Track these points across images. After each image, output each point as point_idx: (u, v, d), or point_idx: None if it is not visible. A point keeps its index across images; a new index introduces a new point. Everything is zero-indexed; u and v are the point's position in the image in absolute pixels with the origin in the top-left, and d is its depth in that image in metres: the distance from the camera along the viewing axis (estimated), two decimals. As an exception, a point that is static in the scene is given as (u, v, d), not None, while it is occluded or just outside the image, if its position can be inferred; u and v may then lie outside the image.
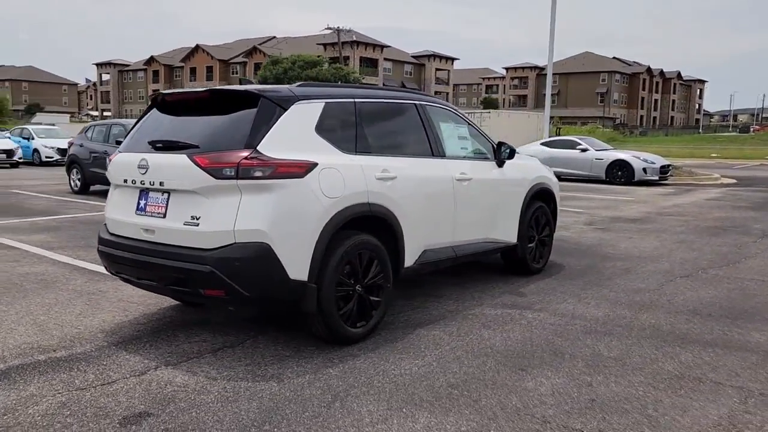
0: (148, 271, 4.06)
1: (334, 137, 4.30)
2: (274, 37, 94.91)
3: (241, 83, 4.50)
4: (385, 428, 3.13)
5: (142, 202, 4.17)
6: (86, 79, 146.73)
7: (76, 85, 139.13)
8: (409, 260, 4.75)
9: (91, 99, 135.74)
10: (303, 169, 3.93)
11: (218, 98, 4.13)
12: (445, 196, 5.09)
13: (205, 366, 3.91)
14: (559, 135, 37.98)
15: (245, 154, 3.78)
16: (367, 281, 4.37)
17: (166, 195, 4.04)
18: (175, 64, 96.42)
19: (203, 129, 4.06)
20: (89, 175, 13.75)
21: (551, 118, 26.30)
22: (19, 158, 23.08)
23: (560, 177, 19.16)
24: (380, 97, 4.91)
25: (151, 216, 4.09)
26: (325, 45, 72.79)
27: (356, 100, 4.58)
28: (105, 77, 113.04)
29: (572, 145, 19.24)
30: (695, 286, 6.07)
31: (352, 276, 4.27)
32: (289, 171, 3.87)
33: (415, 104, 5.13)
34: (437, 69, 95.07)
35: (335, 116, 4.38)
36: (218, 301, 4.00)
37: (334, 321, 4.13)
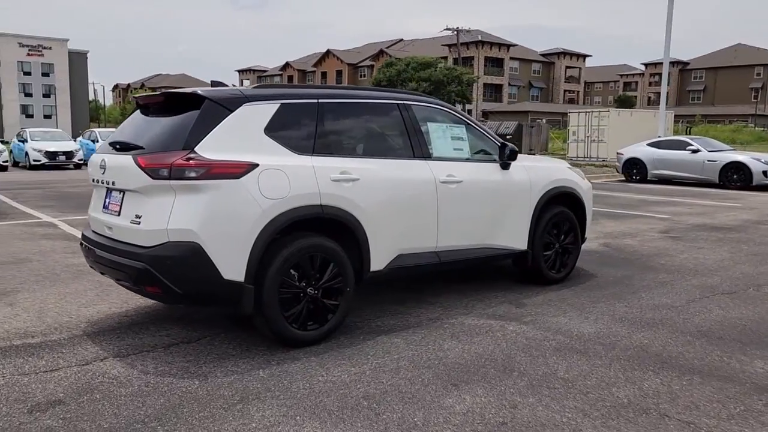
0: (106, 266, 4.27)
1: (288, 138, 4.28)
2: (402, 39, 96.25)
3: (212, 85, 4.60)
4: (262, 435, 3.06)
5: (107, 201, 4.40)
6: (232, 84, 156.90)
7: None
8: (377, 264, 4.62)
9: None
10: (240, 170, 3.95)
11: (172, 101, 4.26)
12: (426, 199, 4.89)
13: (148, 360, 4.05)
14: (689, 134, 35.27)
15: (181, 155, 3.87)
16: (322, 284, 4.30)
17: (121, 194, 4.24)
18: (307, 69, 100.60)
19: (154, 130, 4.21)
20: None
21: (692, 116, 24.57)
22: (80, 160, 24.60)
23: (669, 180, 18.15)
24: (353, 97, 4.82)
25: (111, 214, 4.30)
26: (449, 46, 72.66)
27: (321, 100, 4.53)
28: (246, 83, 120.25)
29: (682, 146, 17.72)
30: (731, 304, 5.38)
31: (303, 278, 4.22)
32: (224, 172, 3.90)
33: (397, 104, 4.98)
34: (567, 67, 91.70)
35: (292, 117, 4.35)
36: (159, 298, 4.12)
37: (278, 323, 4.11)
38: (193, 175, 3.84)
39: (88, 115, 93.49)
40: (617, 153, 19.59)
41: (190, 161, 3.85)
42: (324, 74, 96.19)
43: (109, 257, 4.18)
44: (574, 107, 57.80)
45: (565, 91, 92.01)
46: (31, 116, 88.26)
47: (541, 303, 5.39)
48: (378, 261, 4.63)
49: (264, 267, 4.03)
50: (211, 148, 3.95)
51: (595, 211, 11.54)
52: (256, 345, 4.30)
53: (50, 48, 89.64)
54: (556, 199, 6.06)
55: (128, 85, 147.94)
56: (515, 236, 5.62)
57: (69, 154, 24.65)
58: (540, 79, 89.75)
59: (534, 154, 35.29)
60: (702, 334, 4.59)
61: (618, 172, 19.32)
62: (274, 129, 4.23)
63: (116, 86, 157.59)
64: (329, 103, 4.58)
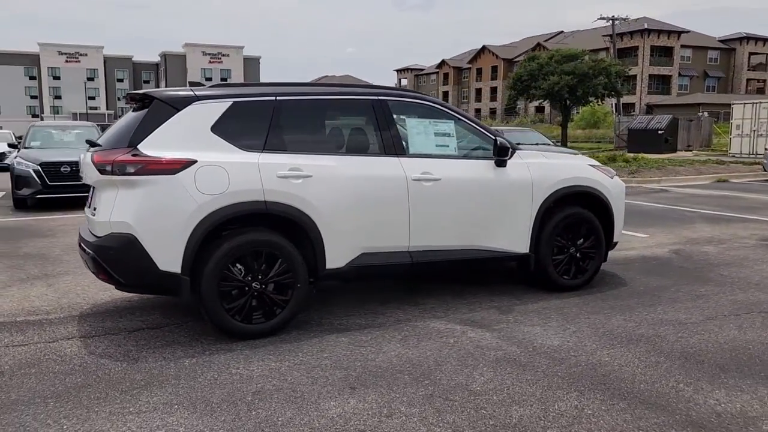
0: (82, 255, 4.67)
1: (236, 135, 4.39)
2: (561, 32, 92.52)
3: (190, 86, 4.84)
4: (109, 423, 3.21)
5: (90, 196, 4.81)
6: (395, 84, 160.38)
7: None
8: (335, 262, 4.59)
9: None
10: (176, 165, 4.13)
11: (136, 101, 4.55)
12: (394, 196, 4.76)
13: (105, 342, 4.38)
14: None
15: (124, 152, 4.14)
16: (269, 279, 4.38)
17: (92, 189, 4.61)
18: (462, 65, 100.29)
19: (116, 129, 4.53)
20: None
21: None
22: None
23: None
24: (317, 94, 4.81)
25: (89, 207, 4.70)
26: (611, 36, 68.60)
27: (279, 98, 4.59)
28: (404, 82, 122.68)
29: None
30: (756, 325, 4.64)
31: (249, 272, 4.32)
32: (160, 168, 4.11)
33: (370, 100, 4.89)
34: (751, 53, 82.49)
35: (243, 115, 4.46)
36: (112, 284, 4.42)
37: (218, 315, 4.25)
38: (131, 170, 4.09)
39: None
40: (765, 149, 17.40)
41: (129, 157, 4.10)
42: (479, 70, 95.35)
43: (81, 246, 4.57)
44: (756, 98, 51.84)
45: (748, 80, 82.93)
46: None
47: (531, 310, 5.02)
48: (336, 259, 4.59)
49: (203, 260, 4.18)
50: (155, 145, 4.18)
51: (700, 214, 10.45)
52: (209, 335, 4.46)
53: (228, 55, 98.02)
54: (570, 198, 5.60)
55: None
56: (513, 238, 5.27)
57: None
58: (717, 68, 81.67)
59: (691, 150, 32.30)
60: (682, 356, 4.02)
61: (764, 170, 17.16)
62: (222, 127, 4.36)
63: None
64: (288, 101, 4.62)
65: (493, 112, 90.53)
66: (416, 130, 5.04)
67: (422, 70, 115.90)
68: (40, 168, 11.34)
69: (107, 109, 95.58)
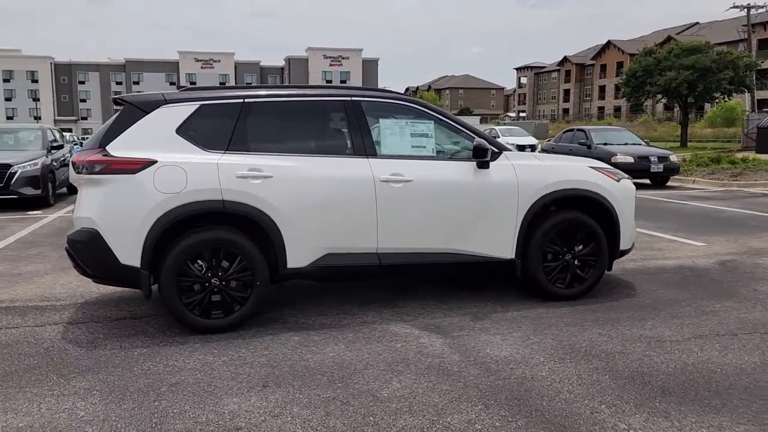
0: None
1: (200, 137, 4.57)
2: (697, 23, 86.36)
3: (179, 89, 5.10)
4: (27, 404, 3.46)
5: None
6: (523, 82, 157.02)
7: (502, 89, 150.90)
8: (297, 261, 4.66)
9: (518, 102, 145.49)
10: (137, 165, 4.38)
11: (118, 104, 4.85)
12: (361, 197, 4.74)
13: (82, 329, 4.71)
14: None
15: (94, 152, 4.46)
16: (228, 276, 4.53)
17: None
18: (586, 62, 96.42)
19: (98, 131, 4.85)
20: None
21: None
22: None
23: None
24: (287, 96, 4.88)
25: None
26: (747, 26, 63.05)
27: (247, 100, 4.72)
28: (523, 80, 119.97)
29: None
30: (745, 347, 4.17)
31: (208, 269, 4.50)
32: (122, 167, 4.38)
33: (342, 101, 4.90)
34: None
35: (209, 117, 4.63)
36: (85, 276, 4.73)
37: (177, 308, 4.46)
38: (97, 170, 4.39)
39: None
40: None
41: (95, 157, 4.40)
42: (603, 67, 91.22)
43: None
44: None
45: None
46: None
47: (506, 319, 4.81)
48: (298, 258, 4.66)
49: (162, 255, 4.40)
50: (122, 146, 4.45)
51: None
52: (176, 327, 4.67)
53: (348, 58, 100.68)
54: (566, 202, 5.30)
55: (417, 87, 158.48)
56: (495, 243, 5.07)
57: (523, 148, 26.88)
58: None
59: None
60: (629, 376, 3.70)
61: None
62: (187, 128, 4.56)
63: (407, 89, 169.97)
64: (256, 102, 4.74)
65: (617, 110, 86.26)
66: (390, 130, 4.99)
67: (543, 67, 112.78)
68: None
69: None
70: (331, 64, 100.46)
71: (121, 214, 4.38)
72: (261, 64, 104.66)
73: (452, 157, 5.14)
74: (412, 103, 5.13)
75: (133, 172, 4.38)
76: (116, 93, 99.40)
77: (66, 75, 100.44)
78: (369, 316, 4.91)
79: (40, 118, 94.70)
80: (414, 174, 4.86)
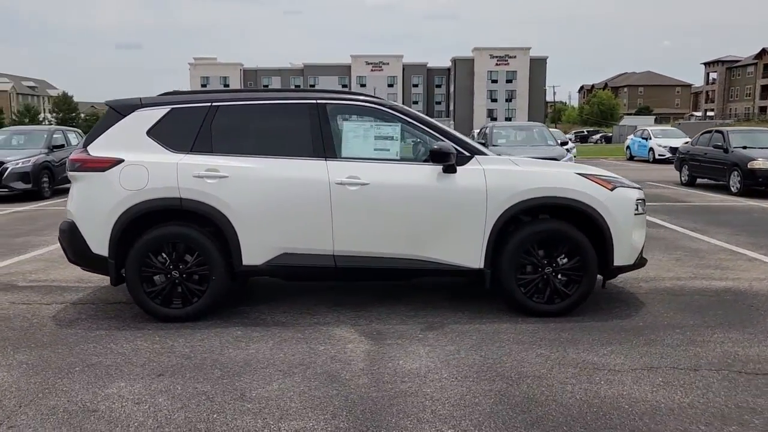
0: None
1: (168, 138, 4.90)
2: None
3: (164, 95, 5.48)
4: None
5: None
6: (713, 78, 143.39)
7: (689, 86, 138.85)
8: (252, 259, 4.83)
9: (706, 100, 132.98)
10: (106, 164, 4.81)
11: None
12: (316, 200, 4.78)
13: (76, 309, 5.28)
14: None
15: (79, 151, 4.98)
16: (186, 269, 4.83)
17: None
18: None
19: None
20: (695, 171, 15.61)
21: None
22: (575, 156, 26.29)
23: None
24: (254, 99, 5.04)
25: None
26: None
27: (215, 103, 4.97)
28: (712, 75, 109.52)
29: None
30: (692, 385, 3.61)
31: (169, 262, 4.83)
32: (94, 166, 4.84)
33: (307, 104, 4.96)
34: None
35: (178, 120, 4.94)
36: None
37: (139, 296, 4.84)
38: (76, 167, 4.89)
39: (543, 117, 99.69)
40: None
41: (76, 156, 4.91)
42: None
43: None
44: None
45: None
46: (495, 119, 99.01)
47: (460, 331, 4.59)
48: (253, 256, 4.82)
49: (127, 246, 4.80)
50: (101, 146, 4.92)
51: None
52: (143, 315, 5.05)
53: (515, 57, 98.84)
54: (546, 211, 4.93)
55: (592, 86, 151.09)
56: (460, 251, 4.84)
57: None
58: None
59: None
60: (516, 403, 3.39)
61: None
62: (156, 131, 4.91)
63: (581, 87, 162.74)
64: (222, 106, 4.96)
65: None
66: (354, 133, 4.96)
67: (737, 61, 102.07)
68: None
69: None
70: (497, 64, 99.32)
71: (92, 207, 4.84)
72: (428, 65, 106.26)
73: (417, 160, 4.98)
74: (381, 106, 5.05)
75: (103, 170, 4.81)
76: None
77: (252, 80, 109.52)
78: (328, 318, 4.94)
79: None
80: (371, 177, 4.80)
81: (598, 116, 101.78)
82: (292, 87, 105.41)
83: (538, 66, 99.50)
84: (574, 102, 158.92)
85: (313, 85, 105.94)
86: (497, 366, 3.91)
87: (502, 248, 4.84)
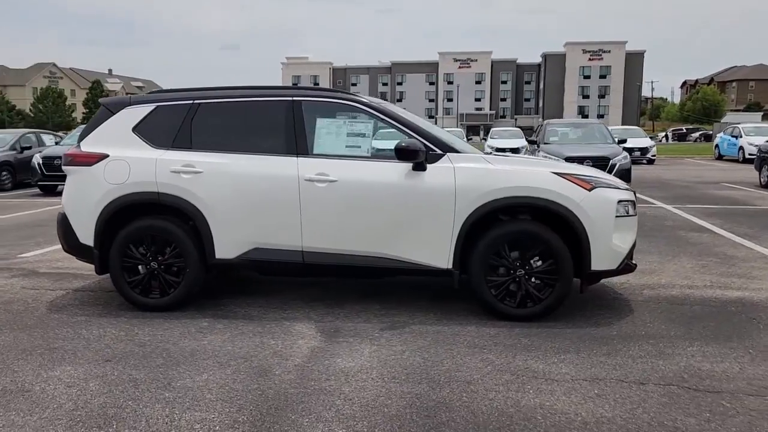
0: None
1: (151, 135, 5.10)
2: None
3: (148, 94, 5.68)
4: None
5: None
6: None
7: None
8: (224, 253, 4.96)
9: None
10: (93, 159, 5.08)
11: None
12: (285, 196, 4.83)
13: (74, 296, 5.60)
14: None
15: (73, 147, 5.28)
16: (164, 261, 5.03)
17: None
18: None
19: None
20: None
21: None
22: (654, 156, 25.44)
23: None
24: (234, 96, 5.14)
25: None
26: None
27: (197, 101, 5.13)
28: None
29: None
30: (623, 399, 3.39)
31: (148, 253, 5.05)
32: (83, 161, 5.11)
33: (284, 101, 5.01)
34: None
35: (162, 117, 5.13)
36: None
37: (120, 285, 5.09)
38: (68, 161, 5.19)
39: (637, 114, 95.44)
40: None
41: (69, 151, 5.21)
42: None
43: None
44: None
45: None
46: (586, 116, 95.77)
47: (413, 332, 4.51)
48: (225, 250, 4.95)
49: (111, 238, 5.05)
50: (92, 143, 5.20)
51: None
52: (125, 304, 5.28)
53: (609, 51, 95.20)
54: (518, 211, 4.76)
55: (696, 81, 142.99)
56: (428, 250, 4.76)
57: (644, 150, 25.01)
58: None
59: None
60: (426, 407, 3.30)
61: None
62: (141, 127, 5.12)
63: (684, 83, 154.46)
64: (204, 103, 5.11)
65: None
66: (327, 130, 4.97)
67: None
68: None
69: (490, 109, 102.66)
70: (590, 59, 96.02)
71: (80, 199, 5.12)
72: (518, 61, 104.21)
73: (389, 158, 4.93)
74: (356, 102, 5.03)
75: (90, 164, 5.08)
76: (381, 94, 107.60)
77: (341, 78, 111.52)
78: (297, 313, 4.99)
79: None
80: (340, 174, 4.80)
81: (700, 113, 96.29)
82: (380, 84, 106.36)
83: (634, 61, 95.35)
84: (677, 98, 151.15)
85: (400, 83, 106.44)
86: (433, 369, 3.81)
87: (472, 249, 4.71)
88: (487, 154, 5.37)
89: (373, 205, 4.77)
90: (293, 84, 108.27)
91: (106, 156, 5.05)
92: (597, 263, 4.67)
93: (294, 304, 5.21)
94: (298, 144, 4.91)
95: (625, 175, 12.07)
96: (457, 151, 4.85)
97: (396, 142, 4.73)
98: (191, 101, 5.12)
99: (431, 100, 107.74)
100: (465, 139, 21.46)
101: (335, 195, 4.79)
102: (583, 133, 13.79)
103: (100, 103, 5.42)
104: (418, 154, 4.66)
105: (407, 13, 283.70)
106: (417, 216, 4.72)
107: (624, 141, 14.11)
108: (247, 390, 3.53)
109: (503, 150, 25.74)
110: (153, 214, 5.06)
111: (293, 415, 3.22)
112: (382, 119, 4.95)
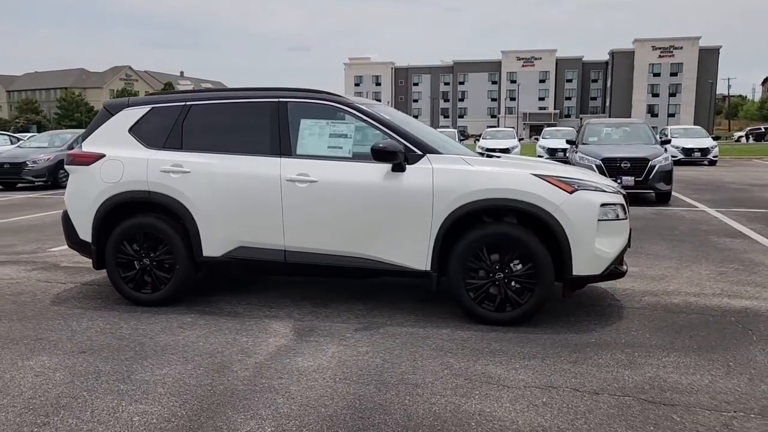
0: None
1: (145, 135, 5.28)
2: None
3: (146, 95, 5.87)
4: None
5: None
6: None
7: None
8: (212, 251, 5.08)
9: None
10: (91, 159, 5.30)
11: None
12: (268, 196, 4.91)
13: (80, 290, 5.86)
14: None
15: (76, 147, 5.53)
16: (155, 258, 5.20)
17: None
18: None
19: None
20: None
21: None
22: (716, 157, 24.71)
23: None
24: (223, 98, 5.25)
25: None
26: None
27: (189, 102, 5.28)
28: None
29: None
30: (565, 409, 3.29)
31: (141, 250, 5.23)
32: (82, 160, 5.34)
33: (270, 102, 5.08)
34: None
35: (156, 118, 5.30)
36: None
37: (114, 280, 5.29)
38: (70, 161, 5.44)
39: (710, 112, 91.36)
40: None
41: (71, 151, 5.46)
42: None
43: None
44: None
45: None
46: (656, 116, 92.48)
47: (386, 334, 4.49)
48: (212, 248, 5.07)
49: (104, 234, 5.27)
50: (92, 143, 5.43)
51: None
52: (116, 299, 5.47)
53: (681, 48, 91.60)
54: (497, 213, 4.68)
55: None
56: (405, 252, 4.73)
57: (704, 151, 24.90)
58: None
59: None
60: (363, 408, 3.29)
61: None
62: (137, 128, 5.31)
63: (766, 80, 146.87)
64: (196, 105, 5.25)
65: None
66: (310, 131, 5.01)
67: None
68: (602, 163, 11.81)
69: (554, 108, 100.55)
70: (660, 56, 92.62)
71: (79, 197, 5.35)
72: (584, 59, 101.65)
73: (370, 159, 4.92)
74: (340, 103, 5.04)
75: (88, 164, 5.30)
76: (443, 93, 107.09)
77: (403, 78, 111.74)
78: (281, 312, 5.05)
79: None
80: (320, 175, 4.83)
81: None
82: (442, 84, 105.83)
83: (708, 57, 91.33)
84: (759, 96, 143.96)
85: (462, 83, 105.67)
86: (388, 371, 3.80)
87: (452, 251, 4.66)
88: (479, 154, 5.30)
89: (353, 206, 4.78)
90: (355, 85, 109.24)
91: (103, 156, 5.26)
92: (579, 268, 4.53)
93: (281, 303, 5.28)
94: (282, 145, 4.98)
95: (665, 177, 11.61)
96: (437, 152, 4.80)
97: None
98: (183, 103, 5.27)
99: (493, 99, 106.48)
100: (458, 139, 21.27)
101: (316, 195, 4.83)
102: (624, 134, 13.34)
103: (103, 105, 5.65)
104: (396, 155, 4.64)
105: (474, 12, 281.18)
106: (395, 217, 4.70)
107: (668, 141, 13.57)
108: (199, 385, 3.61)
109: (493, 150, 25.06)
110: (145, 213, 5.22)
111: (231, 411, 3.27)
112: (364, 120, 4.95)
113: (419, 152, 4.77)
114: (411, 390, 3.52)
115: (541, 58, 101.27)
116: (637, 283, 5.90)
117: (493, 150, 24.18)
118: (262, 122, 5.08)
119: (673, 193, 13.30)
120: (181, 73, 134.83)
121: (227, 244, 5.03)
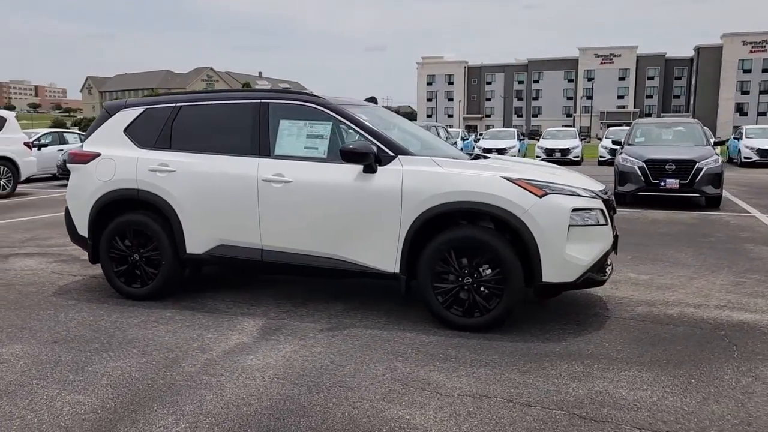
0: None
1: (138, 136, 5.48)
2: None
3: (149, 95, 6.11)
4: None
5: None
6: None
7: None
8: (194, 248, 5.22)
9: None
10: (87, 158, 5.55)
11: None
12: (245, 195, 4.99)
13: (82, 283, 6.15)
14: None
15: (78, 146, 5.80)
16: (144, 254, 5.40)
17: None
18: None
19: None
20: None
21: None
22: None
23: None
24: (211, 99, 5.36)
25: None
26: None
27: (180, 104, 5.43)
28: None
29: None
30: (487, 419, 3.18)
31: (132, 246, 5.44)
32: (80, 159, 5.60)
33: (251, 104, 5.15)
34: None
35: (148, 119, 5.49)
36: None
37: (108, 274, 5.52)
38: (71, 159, 5.71)
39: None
40: None
41: (72, 151, 5.73)
42: None
43: None
44: None
45: None
46: (745, 114, 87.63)
47: (348, 336, 4.47)
48: (195, 245, 5.21)
49: (98, 229, 5.50)
50: (92, 142, 5.68)
51: None
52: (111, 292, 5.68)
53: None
54: (464, 216, 4.58)
55: None
56: (375, 253, 4.70)
57: None
58: None
59: None
60: (283, 410, 3.30)
61: None
62: (131, 129, 5.52)
63: None
64: (186, 106, 5.40)
65: None
66: (288, 131, 5.05)
67: None
68: (645, 165, 11.44)
69: (634, 107, 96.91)
70: (751, 51, 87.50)
71: (77, 194, 5.61)
72: (666, 56, 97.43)
73: (327, 159, 4.90)
74: (317, 105, 5.05)
75: (85, 162, 5.55)
76: (517, 92, 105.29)
77: (476, 77, 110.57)
78: (257, 309, 5.12)
79: (452, 116, 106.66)
80: (294, 175, 4.87)
81: None
82: (515, 82, 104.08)
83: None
84: None
85: (537, 81, 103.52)
86: (329, 373, 3.78)
87: (421, 253, 4.59)
88: (476, 156, 5.20)
89: (325, 206, 4.78)
90: (428, 84, 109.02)
91: (99, 155, 5.49)
92: (549, 275, 4.36)
93: (264, 301, 5.35)
94: (261, 145, 5.04)
95: (713, 180, 10.97)
96: (410, 154, 4.73)
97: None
98: (174, 104, 5.43)
99: (569, 98, 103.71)
100: (446, 138, 20.56)
101: (290, 195, 4.87)
102: (674, 134, 12.69)
103: (102, 106, 5.89)
104: (366, 157, 4.61)
105: (553, 8, 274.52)
106: (365, 218, 4.68)
107: (722, 143, 12.81)
108: (141, 379, 3.71)
109: (489, 150, 24.15)
110: (135, 210, 5.41)
111: (157, 405, 3.35)
112: (341, 121, 4.94)
113: (391, 153, 4.72)
114: (342, 393, 3.49)
115: (620, 55, 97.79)
116: (639, 292, 5.62)
117: (489, 150, 23.72)
118: (244, 123, 5.16)
119: (729, 197, 12.59)
120: (260, 73, 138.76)
121: (209, 242, 5.14)
